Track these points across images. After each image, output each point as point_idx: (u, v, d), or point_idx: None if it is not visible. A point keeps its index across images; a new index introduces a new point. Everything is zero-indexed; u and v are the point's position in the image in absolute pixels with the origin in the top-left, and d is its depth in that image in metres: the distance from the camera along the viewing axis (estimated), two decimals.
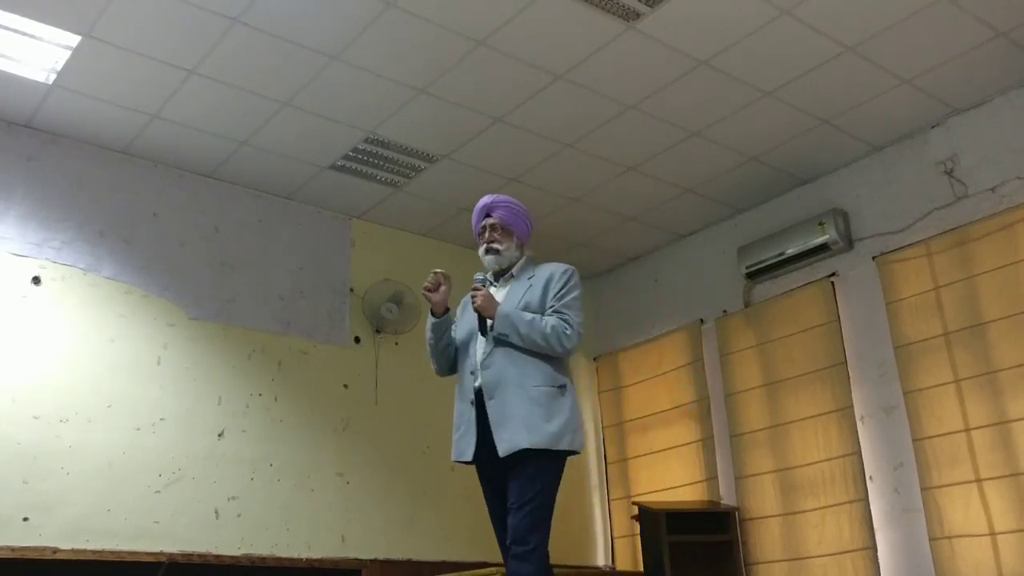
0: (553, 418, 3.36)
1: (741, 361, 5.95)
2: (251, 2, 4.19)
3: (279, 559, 5.15)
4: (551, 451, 3.35)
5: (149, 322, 5.12)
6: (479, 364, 3.50)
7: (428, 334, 3.71)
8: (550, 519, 3.40)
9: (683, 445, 6.16)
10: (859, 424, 5.29)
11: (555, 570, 5.40)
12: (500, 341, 3.44)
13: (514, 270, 3.69)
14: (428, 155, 5.47)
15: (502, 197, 3.77)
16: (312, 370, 5.63)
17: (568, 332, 3.44)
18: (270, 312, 5.57)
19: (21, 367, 4.69)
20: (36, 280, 4.84)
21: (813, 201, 5.80)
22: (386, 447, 5.77)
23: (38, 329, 4.78)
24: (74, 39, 4.38)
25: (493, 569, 5.19)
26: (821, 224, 5.59)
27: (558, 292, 3.54)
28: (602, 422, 6.80)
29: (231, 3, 4.20)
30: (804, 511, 5.40)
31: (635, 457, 6.50)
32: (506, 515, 3.41)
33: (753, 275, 5.95)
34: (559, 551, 6.21)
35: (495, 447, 3.39)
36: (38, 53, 4.47)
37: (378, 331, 5.92)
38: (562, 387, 3.45)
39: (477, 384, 3.48)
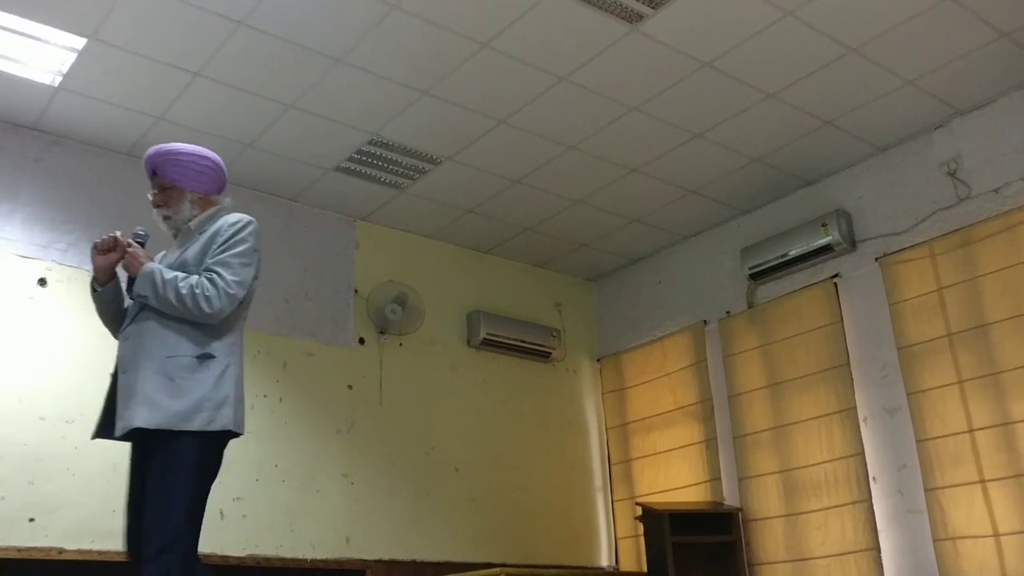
0: (183, 394, 2.81)
1: (744, 362, 5.95)
2: (256, 4, 4.21)
3: (284, 560, 5.16)
4: (180, 432, 2.80)
5: None
6: (121, 333, 3.03)
7: (95, 306, 3.13)
8: (185, 518, 2.79)
9: (686, 446, 6.17)
10: (862, 425, 5.30)
11: (558, 571, 5.41)
12: (146, 307, 2.93)
13: (192, 223, 3.14)
14: (432, 157, 5.49)
15: (164, 147, 3.17)
16: (317, 371, 5.64)
17: (210, 293, 2.88)
18: (275, 314, 5.58)
19: (27, 368, 4.70)
20: (42, 282, 4.86)
21: (816, 202, 5.80)
22: (390, 448, 5.78)
23: (44, 330, 4.79)
24: (80, 41, 4.40)
25: (498, 570, 5.21)
26: (824, 225, 5.60)
27: (219, 246, 3.00)
28: (605, 423, 6.81)
29: (236, 5, 4.21)
30: (807, 512, 5.41)
31: (638, 458, 6.50)
32: (138, 512, 2.90)
33: (756, 276, 5.96)
34: (562, 552, 6.26)
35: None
36: (44, 55, 4.49)
37: (382, 332, 5.94)
38: (205, 357, 2.89)
39: (117, 355, 3.02)
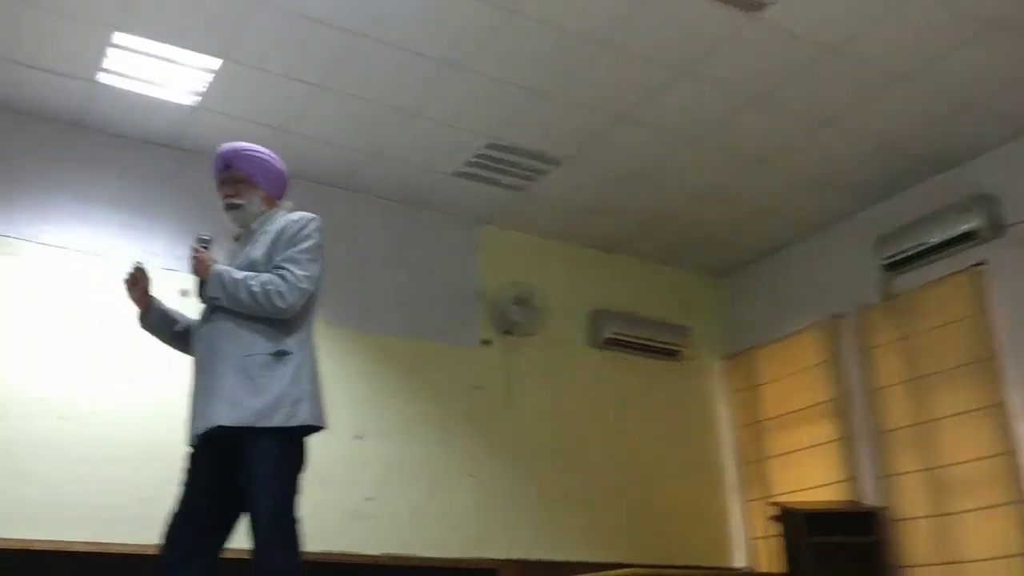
0: (263, 391, 2.82)
1: (883, 356, 5.72)
2: (376, 16, 4.31)
3: (416, 559, 5.25)
4: (261, 429, 2.80)
5: None
6: (195, 336, 3.06)
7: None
8: (284, 507, 2.83)
9: (821, 444, 5.97)
10: (1015, 422, 5.00)
11: (691, 572, 5.32)
12: (218, 308, 2.95)
13: (253, 225, 3.15)
14: (552, 158, 5.49)
15: (242, 144, 3.22)
16: (443, 373, 5.73)
17: (282, 288, 2.89)
18: (401, 317, 5.70)
19: (171, 377, 4.93)
20: (184, 293, 5.08)
21: (956, 187, 5.51)
22: (518, 448, 5.81)
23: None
24: (216, 62, 4.61)
25: (630, 570, 5.16)
26: (966, 211, 5.32)
27: (286, 243, 3.02)
28: (735, 422, 6.66)
29: (356, 18, 4.33)
30: (958, 512, 5.15)
31: (771, 457, 6.34)
32: (193, 509, 2.90)
33: (892, 267, 5.71)
34: (694, 552, 6.16)
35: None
36: (182, 77, 4.73)
37: (507, 333, 5.98)
38: (280, 353, 2.90)
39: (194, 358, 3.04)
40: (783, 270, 6.61)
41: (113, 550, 4.47)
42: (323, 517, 5.05)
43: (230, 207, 3.14)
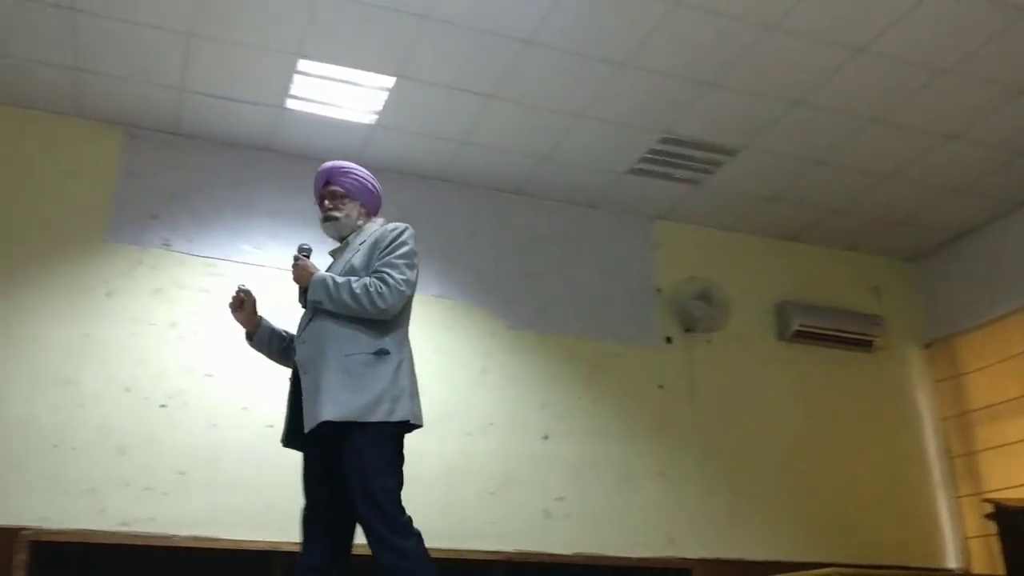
0: (365, 388, 2.98)
1: None
2: (541, 23, 4.36)
3: (609, 558, 5.26)
4: (363, 424, 2.94)
5: (472, 334, 5.46)
6: (298, 337, 3.22)
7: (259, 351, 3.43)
8: (388, 499, 2.95)
9: None
10: None
11: (897, 572, 5.08)
12: (319, 311, 3.12)
13: (351, 236, 3.34)
14: (727, 148, 5.38)
15: (343, 163, 3.42)
16: (626, 372, 5.71)
17: (383, 290, 3.05)
18: (581, 318, 5.73)
19: None
20: None
21: None
22: (706, 446, 5.72)
23: None
24: (390, 80, 4.79)
25: (832, 570, 4.96)
26: None
27: (383, 250, 3.17)
28: (939, 413, 6.28)
29: (524, 27, 4.39)
30: None
31: (985, 450, 5.94)
32: (318, 506, 3.07)
33: None
34: (899, 551, 5.85)
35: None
36: (360, 97, 4.94)
37: (688, 330, 5.90)
38: (380, 352, 3.05)
39: (296, 357, 3.18)
40: (982, 251, 6.18)
41: None
42: (515, 517, 5.18)
43: (328, 219, 3.34)
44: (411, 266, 3.17)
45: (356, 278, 3.10)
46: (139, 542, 4.47)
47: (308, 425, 2.98)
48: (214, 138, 5.26)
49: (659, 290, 5.97)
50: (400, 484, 3.02)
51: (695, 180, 5.71)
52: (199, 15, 4.33)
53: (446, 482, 5.10)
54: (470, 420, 5.26)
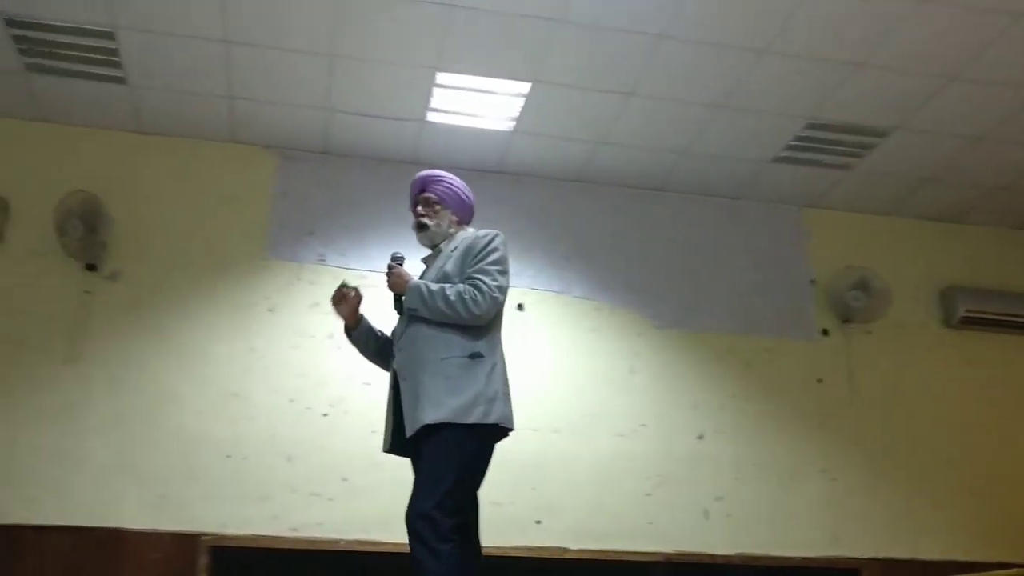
0: (461, 391, 3.02)
1: None
2: (673, 16, 4.30)
3: (772, 558, 5.13)
4: (457, 425, 2.98)
5: (620, 334, 5.44)
6: (395, 345, 3.27)
7: (356, 347, 3.47)
8: (445, 498, 2.92)
9: None
10: None
11: None
12: (414, 318, 3.17)
13: (443, 244, 3.39)
14: (878, 130, 5.16)
15: (438, 172, 3.47)
16: (781, 367, 5.56)
17: (477, 297, 3.10)
18: (731, 313, 5.61)
19: (516, 385, 5.19)
20: (520, 307, 5.39)
21: None
22: (870, 441, 5.49)
23: (525, 350, 5.28)
24: (526, 86, 4.84)
25: (1017, 571, 4.67)
26: None
27: (474, 256, 3.22)
28: None
29: (655, 22, 4.35)
30: None
31: None
32: None
33: None
34: None
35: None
36: (497, 105, 5.01)
37: (846, 321, 5.68)
38: (475, 356, 3.10)
39: (395, 365, 3.24)
40: None
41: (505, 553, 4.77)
42: (673, 518, 5.13)
43: (420, 227, 3.41)
44: (503, 272, 3.24)
45: (450, 285, 3.17)
46: (307, 546, 4.68)
47: (410, 429, 3.05)
48: (361, 154, 5.44)
49: (813, 281, 5.78)
50: (465, 488, 3.04)
51: (845, 165, 5.50)
52: (340, 37, 4.50)
53: (599, 484, 5.10)
54: (621, 422, 5.24)
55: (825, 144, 5.29)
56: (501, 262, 3.25)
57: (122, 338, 4.89)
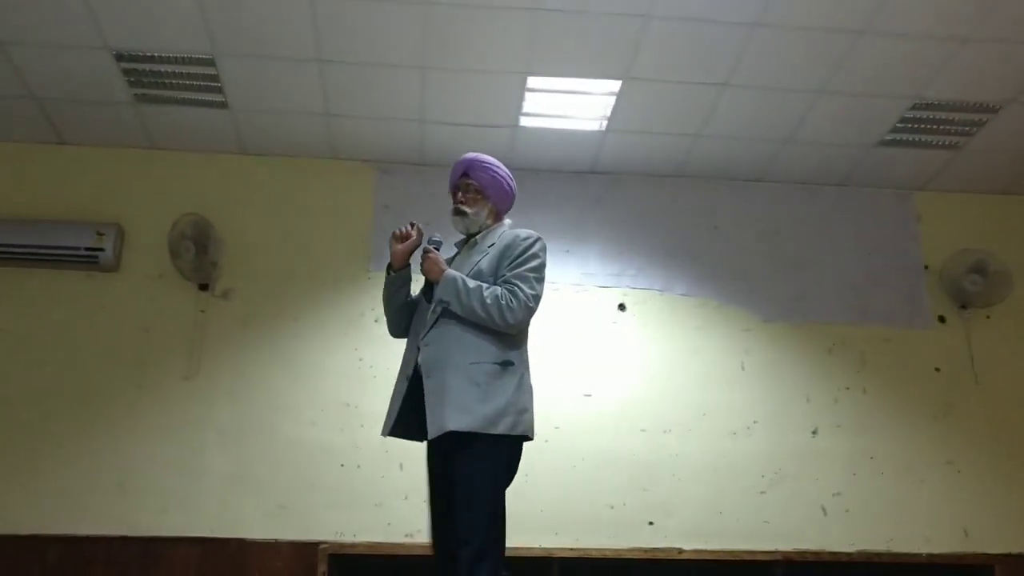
0: (490, 399, 2.93)
1: None
2: (766, 3, 4.21)
3: (895, 555, 4.96)
4: (487, 435, 2.91)
5: (726, 331, 5.34)
6: (422, 338, 3.11)
7: (383, 290, 3.33)
8: (495, 515, 2.93)
9: None
10: None
11: None
12: (446, 313, 3.06)
13: (479, 236, 3.27)
14: (989, 106, 4.93)
15: (484, 157, 3.32)
16: (898, 357, 5.36)
17: (513, 304, 3.01)
18: (843, 303, 5.45)
19: (622, 386, 5.19)
20: (621, 307, 5.35)
21: None
22: (997, 430, 5.25)
23: (630, 350, 5.26)
24: (616, 84, 4.80)
25: None
26: None
27: (513, 259, 3.10)
28: None
29: (746, 10, 4.25)
30: None
31: None
32: (441, 510, 3.06)
33: None
34: None
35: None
36: (589, 105, 4.99)
37: (964, 307, 5.44)
38: (506, 364, 3.01)
39: (419, 359, 3.09)
40: None
41: (591, 555, 4.79)
42: (790, 515, 5.02)
43: (458, 212, 3.30)
44: (540, 280, 3.15)
45: (487, 285, 3.08)
46: (421, 552, 4.73)
47: (432, 432, 2.97)
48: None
49: (927, 267, 5.57)
50: (502, 499, 3.00)
51: (955, 145, 5.28)
52: (430, 49, 4.55)
53: (711, 483, 5.02)
54: (732, 419, 5.15)
55: (933, 124, 5.09)
56: (539, 269, 3.16)
57: (237, 353, 5.05)
